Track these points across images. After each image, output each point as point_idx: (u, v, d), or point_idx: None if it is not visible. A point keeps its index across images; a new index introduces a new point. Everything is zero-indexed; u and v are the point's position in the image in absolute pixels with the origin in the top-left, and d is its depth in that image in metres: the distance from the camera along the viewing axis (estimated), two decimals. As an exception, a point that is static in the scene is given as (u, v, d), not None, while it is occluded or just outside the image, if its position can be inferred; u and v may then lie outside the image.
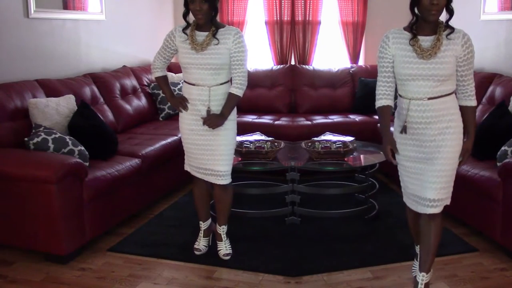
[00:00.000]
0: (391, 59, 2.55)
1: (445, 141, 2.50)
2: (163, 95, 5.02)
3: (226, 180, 3.10)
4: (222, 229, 3.27)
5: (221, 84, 3.01)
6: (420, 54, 2.43)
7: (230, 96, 3.01)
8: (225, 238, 3.27)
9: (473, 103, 2.58)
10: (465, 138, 2.59)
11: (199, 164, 3.12)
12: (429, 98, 2.47)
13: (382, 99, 2.61)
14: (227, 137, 3.06)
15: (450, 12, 2.46)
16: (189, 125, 3.08)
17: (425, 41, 2.46)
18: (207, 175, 3.12)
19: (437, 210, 2.53)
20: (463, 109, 2.57)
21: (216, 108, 3.01)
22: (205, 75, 2.98)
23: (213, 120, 2.98)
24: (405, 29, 2.54)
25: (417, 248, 2.86)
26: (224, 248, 3.25)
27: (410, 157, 2.58)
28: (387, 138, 2.61)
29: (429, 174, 2.52)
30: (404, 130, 2.54)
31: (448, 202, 2.56)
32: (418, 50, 2.44)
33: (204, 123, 3.00)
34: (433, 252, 2.61)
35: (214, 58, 2.94)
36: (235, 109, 3.11)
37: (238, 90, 3.01)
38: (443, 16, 2.46)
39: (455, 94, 2.56)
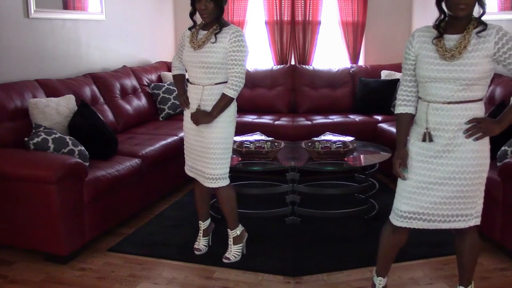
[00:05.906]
0: (414, 60, 2.28)
1: (464, 152, 2.22)
2: (164, 95, 5.06)
3: (215, 183, 3.03)
4: (230, 233, 3.22)
5: (217, 84, 2.94)
6: (442, 54, 2.15)
7: (222, 96, 2.92)
8: (232, 243, 3.20)
9: None
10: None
11: (193, 164, 3.13)
12: (449, 103, 2.19)
13: (401, 105, 2.36)
14: (217, 140, 2.97)
15: (483, 6, 2.15)
16: (187, 123, 3.10)
17: (451, 40, 2.18)
18: (198, 176, 3.12)
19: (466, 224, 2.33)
20: None
21: (209, 109, 2.95)
22: (200, 74, 2.95)
23: (198, 117, 2.94)
24: (434, 26, 2.26)
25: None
26: (228, 252, 3.20)
27: (424, 178, 2.29)
28: (399, 150, 2.37)
29: (449, 190, 2.27)
30: (428, 137, 2.25)
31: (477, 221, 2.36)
32: (441, 50, 2.16)
33: (190, 118, 2.99)
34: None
35: (207, 57, 2.90)
36: (233, 110, 3.03)
37: (230, 91, 2.90)
38: (476, 12, 2.19)
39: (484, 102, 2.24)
